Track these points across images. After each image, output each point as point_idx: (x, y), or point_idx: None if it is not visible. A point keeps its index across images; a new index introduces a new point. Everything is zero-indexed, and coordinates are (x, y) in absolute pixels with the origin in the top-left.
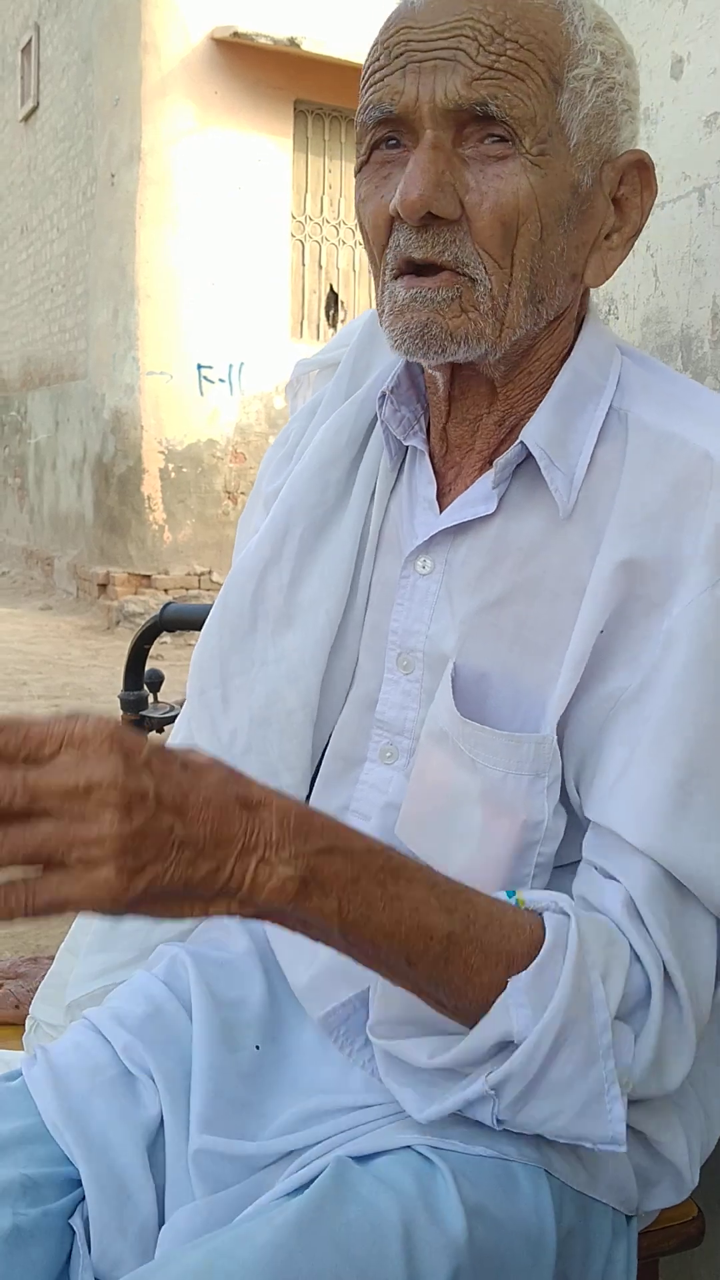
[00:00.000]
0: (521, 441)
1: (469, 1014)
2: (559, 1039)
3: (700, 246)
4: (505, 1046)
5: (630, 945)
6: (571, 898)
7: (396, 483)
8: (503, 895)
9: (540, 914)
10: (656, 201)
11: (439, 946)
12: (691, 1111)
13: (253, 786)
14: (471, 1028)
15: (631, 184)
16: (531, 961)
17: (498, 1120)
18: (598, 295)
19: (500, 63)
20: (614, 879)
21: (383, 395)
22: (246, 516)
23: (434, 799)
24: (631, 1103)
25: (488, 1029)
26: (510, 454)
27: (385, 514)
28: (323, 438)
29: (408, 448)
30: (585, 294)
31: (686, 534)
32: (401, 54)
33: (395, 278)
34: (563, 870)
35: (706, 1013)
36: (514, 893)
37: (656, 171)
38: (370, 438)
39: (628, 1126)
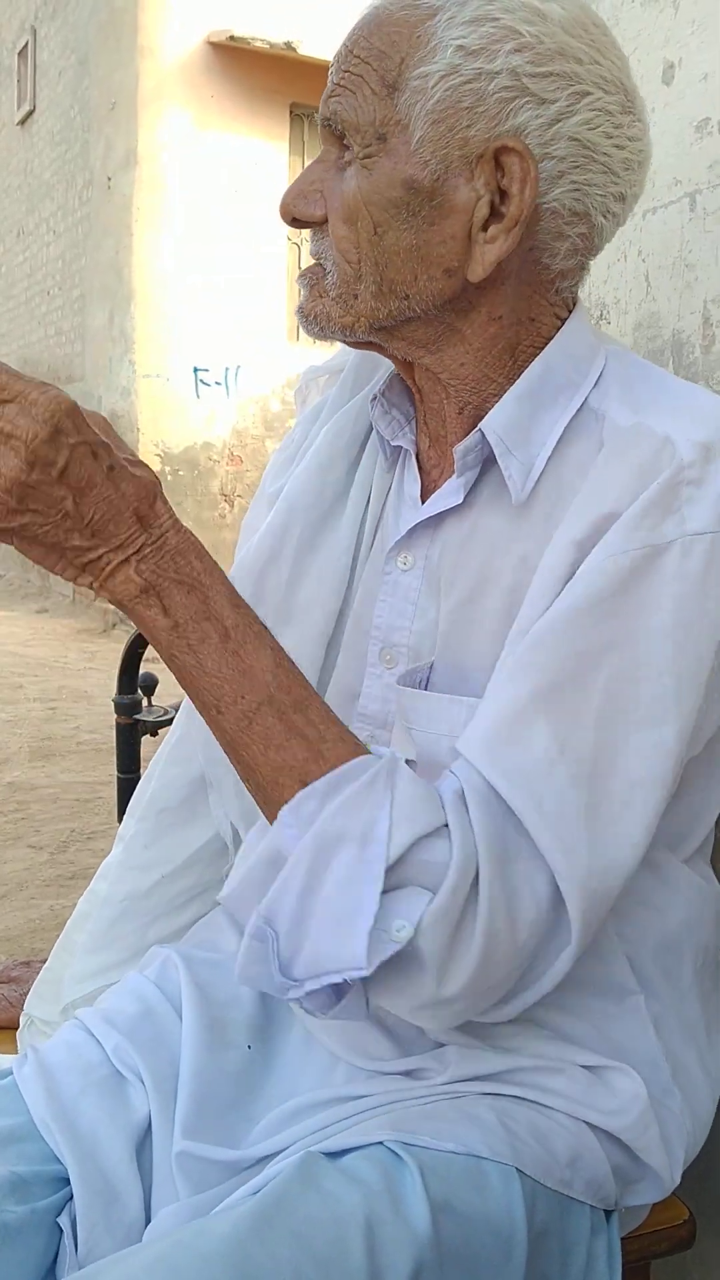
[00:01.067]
0: (480, 430)
1: (261, 796)
2: (318, 858)
3: (691, 251)
4: (280, 866)
5: (446, 821)
6: None
7: (391, 484)
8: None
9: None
10: (648, 207)
11: (249, 705)
12: (674, 1114)
13: (161, 510)
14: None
15: (510, 173)
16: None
17: (282, 967)
18: (589, 300)
19: (344, 79)
20: (454, 774)
21: (375, 397)
22: (249, 517)
23: None
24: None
25: (260, 847)
26: (469, 441)
27: (380, 514)
28: (323, 440)
29: (401, 449)
30: (538, 291)
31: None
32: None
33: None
34: None
35: (515, 958)
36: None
37: (648, 176)
38: (368, 440)
39: (605, 1132)
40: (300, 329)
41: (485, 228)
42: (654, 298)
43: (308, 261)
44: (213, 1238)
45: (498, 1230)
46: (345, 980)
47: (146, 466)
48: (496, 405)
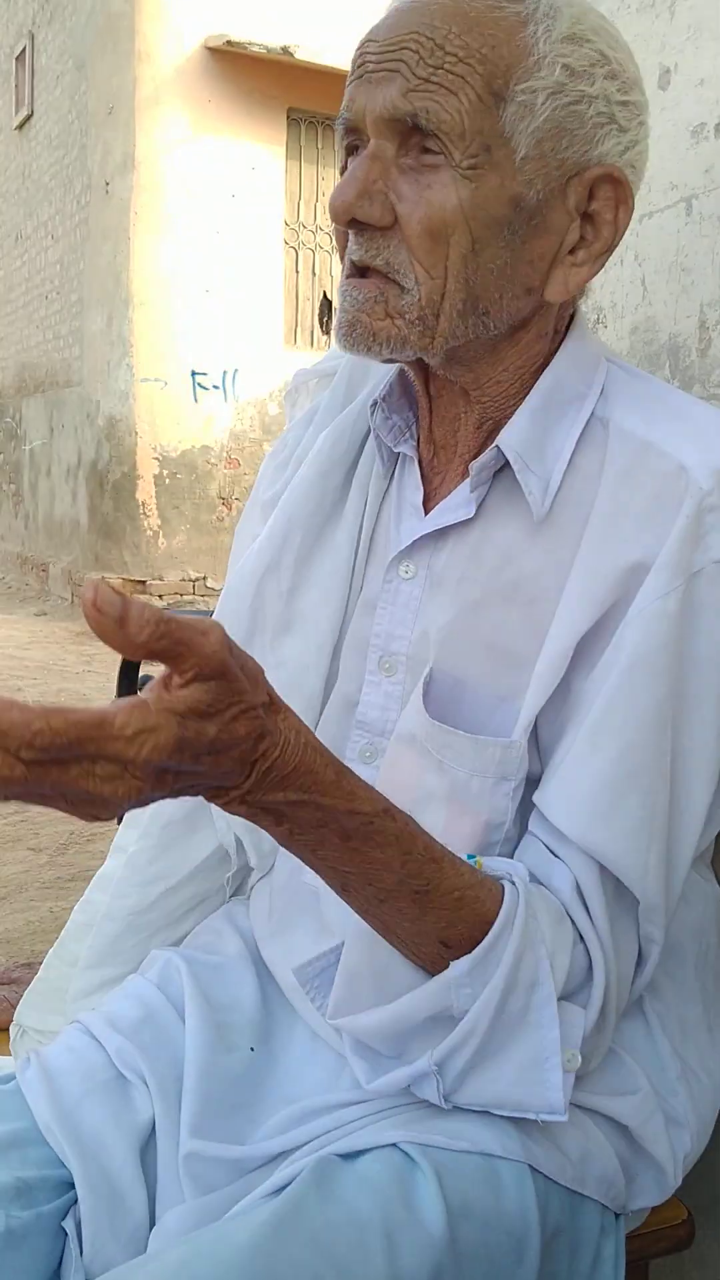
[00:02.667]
0: (498, 447)
1: (409, 949)
2: (499, 1013)
3: (687, 256)
4: (445, 1020)
5: (575, 926)
6: None
7: (388, 490)
8: (464, 858)
9: (499, 882)
10: (644, 211)
11: (376, 892)
12: (678, 1112)
13: (266, 747)
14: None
15: (604, 199)
16: (480, 940)
17: (445, 1098)
18: (586, 305)
19: (436, 76)
20: (560, 860)
21: (375, 403)
22: (244, 523)
23: (399, 798)
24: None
25: (423, 1001)
26: (486, 458)
27: (377, 521)
28: (321, 446)
29: (399, 455)
30: (566, 305)
31: (655, 549)
32: (360, 65)
33: (347, 278)
34: None
35: (623, 1009)
36: (474, 856)
37: (644, 182)
38: (366, 446)
39: (610, 1119)
40: (293, 337)
41: (573, 250)
42: (650, 302)
43: (354, 263)
44: (231, 1245)
45: (511, 1230)
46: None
47: (255, 687)
48: (511, 421)
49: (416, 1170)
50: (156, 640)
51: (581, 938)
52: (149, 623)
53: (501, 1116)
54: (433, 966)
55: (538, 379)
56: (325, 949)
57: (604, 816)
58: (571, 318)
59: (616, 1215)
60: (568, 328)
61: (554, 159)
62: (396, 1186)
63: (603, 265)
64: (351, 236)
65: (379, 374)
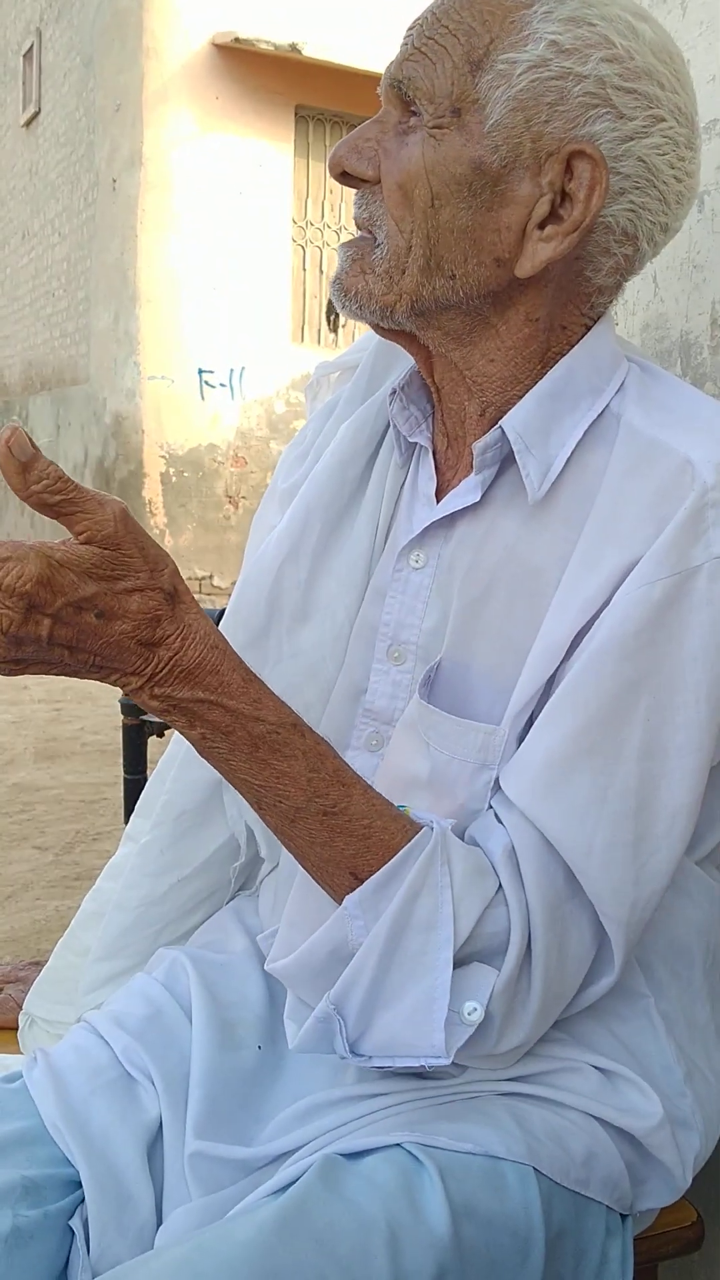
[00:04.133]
0: (500, 427)
1: (315, 877)
2: (392, 950)
3: (700, 252)
4: (347, 959)
5: (501, 888)
6: None
7: (405, 481)
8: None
9: (419, 825)
10: None
11: (287, 809)
12: (685, 1113)
13: (168, 631)
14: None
15: (580, 178)
16: (381, 867)
17: (350, 1047)
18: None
19: (426, 46)
20: (501, 825)
21: (393, 392)
22: (261, 514)
23: (394, 782)
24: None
25: (323, 936)
26: (488, 438)
27: (394, 511)
28: (342, 436)
29: (416, 446)
30: (574, 301)
31: (651, 542)
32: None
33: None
34: None
35: (565, 997)
36: (404, 807)
37: None
38: (386, 437)
39: (618, 1130)
40: (300, 335)
41: (542, 226)
42: (662, 299)
43: (348, 238)
44: (235, 1243)
45: (515, 1231)
46: (424, 1065)
47: (155, 572)
48: (518, 404)
49: (421, 1171)
50: (52, 493)
51: (506, 902)
52: (50, 477)
53: (505, 1120)
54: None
55: (542, 368)
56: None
57: (551, 788)
58: (597, 319)
59: (624, 1216)
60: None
61: (528, 130)
62: (401, 1187)
63: (572, 245)
64: (355, 193)
65: (401, 368)
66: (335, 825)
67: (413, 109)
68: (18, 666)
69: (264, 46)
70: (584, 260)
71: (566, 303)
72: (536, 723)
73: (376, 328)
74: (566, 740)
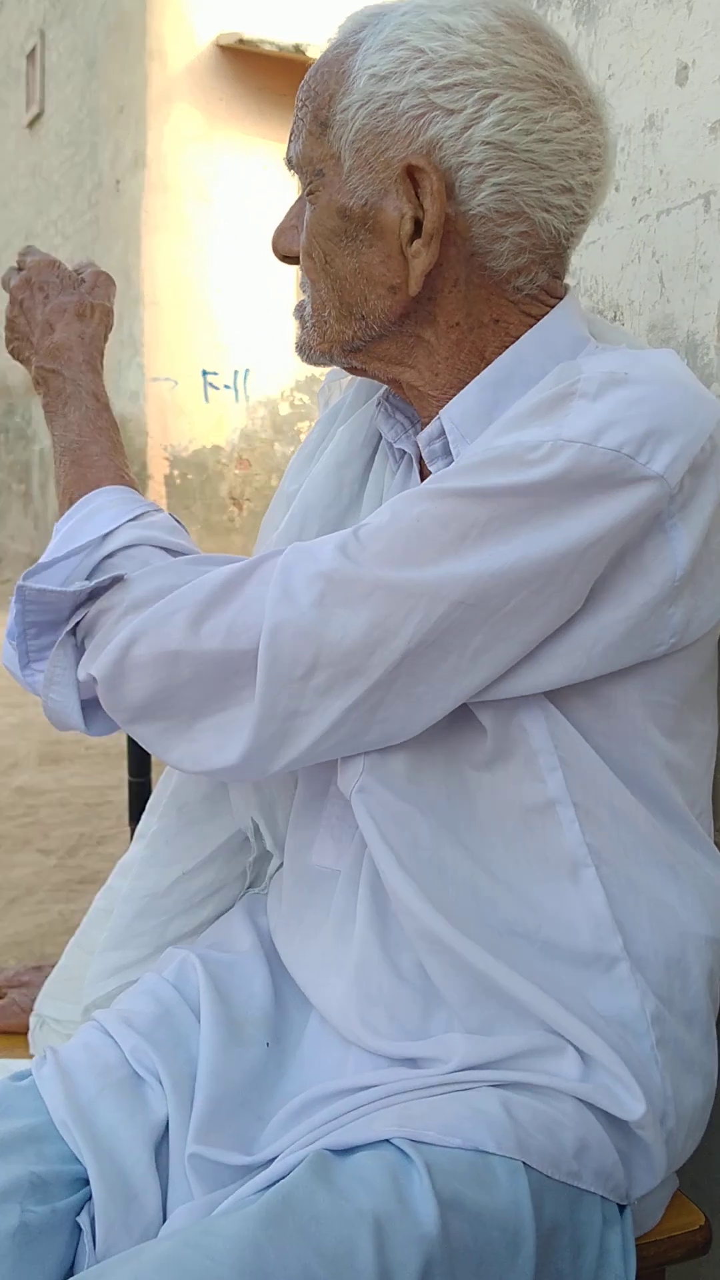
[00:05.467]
0: (439, 418)
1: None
2: (69, 533)
3: (706, 253)
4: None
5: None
6: None
7: (395, 485)
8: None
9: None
10: (662, 208)
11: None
12: (656, 1085)
13: (58, 329)
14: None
15: (424, 188)
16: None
17: (9, 635)
18: (602, 302)
19: (295, 123)
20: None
21: (380, 402)
22: (268, 516)
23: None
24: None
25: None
26: (430, 430)
27: None
28: (339, 440)
29: (404, 452)
30: (492, 290)
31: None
32: None
33: None
34: None
35: (176, 644)
36: None
37: (661, 178)
38: (382, 441)
39: (608, 1116)
40: None
41: (411, 243)
42: (668, 299)
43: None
44: (222, 1236)
45: (505, 1225)
46: (25, 606)
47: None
48: (460, 393)
49: (410, 1166)
50: None
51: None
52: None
53: (496, 1113)
54: None
55: (487, 365)
56: (344, 944)
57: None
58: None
59: (622, 1207)
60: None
61: (377, 161)
62: (388, 1182)
63: (438, 249)
64: None
65: None
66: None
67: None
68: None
69: (268, 48)
70: (479, 254)
71: (486, 297)
72: None
73: (345, 369)
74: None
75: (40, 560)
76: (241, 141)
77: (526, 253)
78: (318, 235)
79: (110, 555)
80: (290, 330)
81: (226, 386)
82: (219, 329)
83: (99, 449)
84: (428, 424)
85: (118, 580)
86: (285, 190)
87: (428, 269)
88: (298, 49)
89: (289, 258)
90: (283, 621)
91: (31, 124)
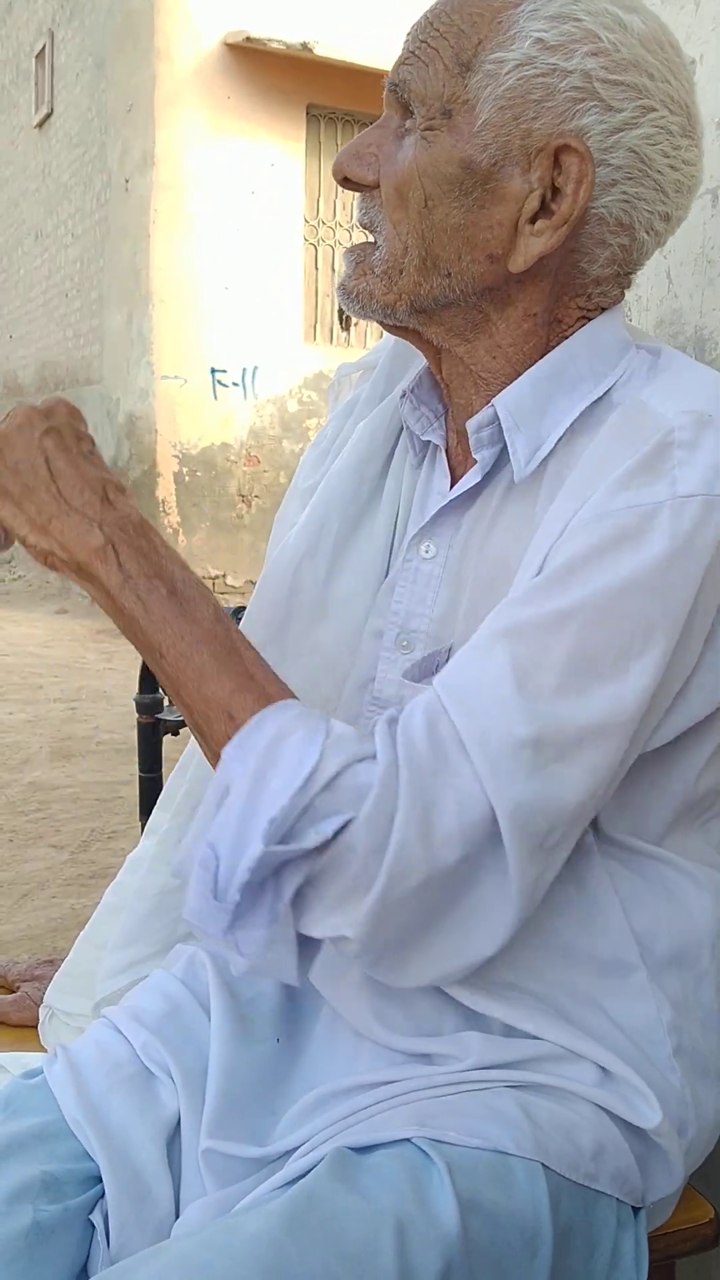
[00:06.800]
0: (493, 405)
1: (202, 737)
2: (259, 780)
3: (714, 248)
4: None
5: (376, 755)
6: None
7: (420, 478)
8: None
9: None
10: None
11: (187, 645)
12: (675, 1092)
13: (126, 501)
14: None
15: (568, 172)
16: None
17: (218, 899)
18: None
19: (419, 49)
20: (424, 701)
21: (405, 394)
22: (282, 511)
23: None
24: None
25: (211, 783)
26: (482, 416)
27: (411, 509)
28: (359, 435)
29: (429, 444)
30: (571, 293)
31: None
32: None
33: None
34: None
35: (425, 864)
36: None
37: None
38: (402, 436)
39: (625, 1121)
40: (313, 334)
41: (533, 220)
42: (676, 294)
43: (358, 238)
44: (243, 1236)
45: (523, 1227)
46: (249, 873)
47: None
48: (513, 384)
49: (430, 1165)
50: None
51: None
52: None
53: (514, 1114)
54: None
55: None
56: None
57: (463, 663)
58: (599, 312)
59: (636, 1210)
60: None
61: (517, 127)
62: (409, 1182)
63: (563, 238)
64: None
65: (418, 366)
66: (225, 661)
67: (409, 111)
68: None
69: (275, 46)
70: (579, 252)
71: (561, 295)
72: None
73: (384, 324)
74: (495, 634)
75: (269, 817)
76: (250, 140)
77: (617, 265)
78: (426, 176)
79: (321, 790)
80: (298, 328)
81: (235, 384)
82: (227, 327)
83: (225, 644)
84: (461, 407)
85: (348, 823)
86: (293, 188)
87: (545, 252)
88: (305, 47)
89: (355, 184)
90: (514, 807)
91: (41, 124)
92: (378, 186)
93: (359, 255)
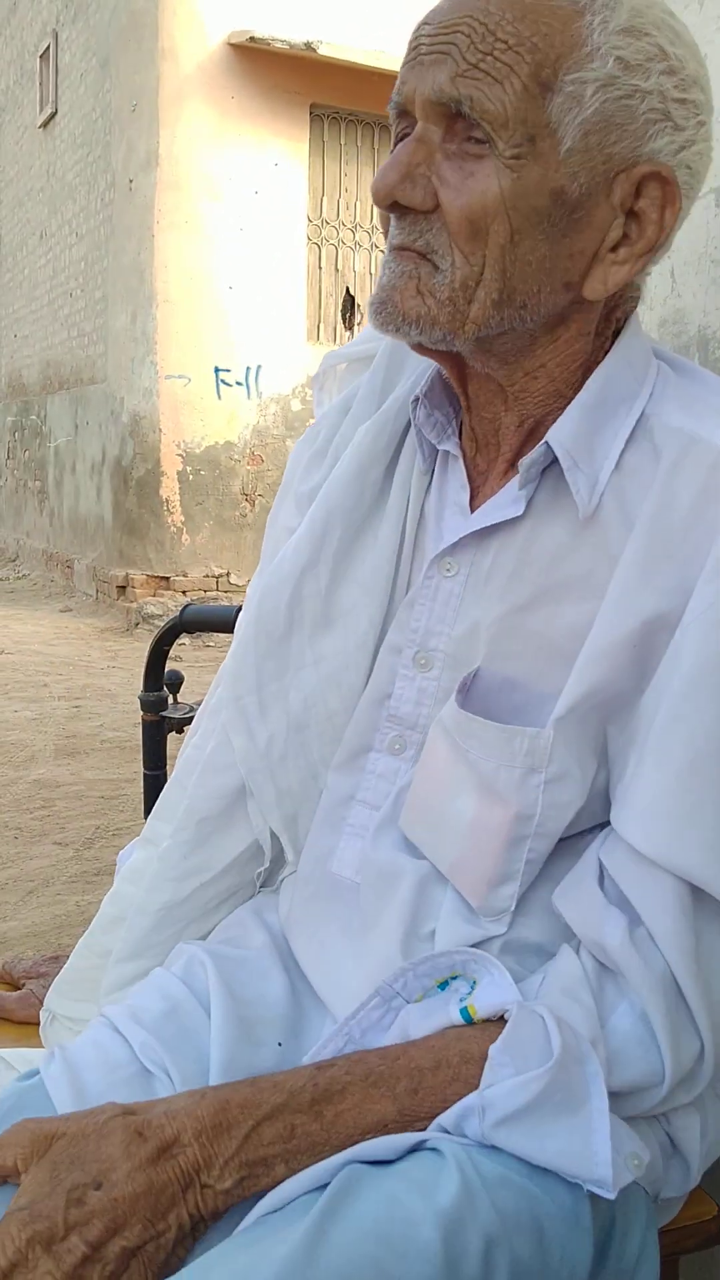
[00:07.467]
0: (547, 443)
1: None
2: (545, 1095)
3: (717, 248)
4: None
5: (614, 984)
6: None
7: (429, 485)
8: (456, 1015)
9: (502, 1017)
10: None
11: (394, 1124)
12: (707, 1105)
13: (153, 1128)
14: None
15: (651, 197)
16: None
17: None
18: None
19: (485, 63)
20: (614, 908)
21: (416, 399)
22: (274, 514)
23: (433, 790)
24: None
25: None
26: (535, 455)
27: (420, 518)
28: (360, 440)
29: (440, 451)
30: (617, 306)
31: (705, 546)
32: (414, 49)
33: (388, 255)
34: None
35: None
36: (466, 1009)
37: None
38: (406, 440)
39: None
40: (316, 333)
41: (615, 248)
42: (679, 294)
43: (361, 239)
44: (274, 1260)
45: (563, 1211)
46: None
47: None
48: (561, 417)
49: (449, 1160)
50: None
51: (627, 992)
52: None
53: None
54: None
55: (584, 378)
56: (363, 957)
57: (681, 829)
58: (626, 318)
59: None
60: (620, 329)
61: (600, 153)
62: (439, 1172)
63: (644, 265)
64: (394, 220)
65: (416, 364)
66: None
67: (473, 134)
68: None
69: (279, 46)
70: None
71: (613, 312)
72: (644, 764)
73: (424, 347)
74: (683, 778)
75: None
76: (254, 139)
77: (636, 274)
78: (514, 210)
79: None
80: (301, 327)
81: (239, 383)
82: (231, 326)
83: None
84: (487, 421)
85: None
86: (297, 188)
87: (628, 280)
88: (309, 47)
89: (400, 207)
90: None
91: (45, 124)
92: (433, 211)
93: (414, 273)
